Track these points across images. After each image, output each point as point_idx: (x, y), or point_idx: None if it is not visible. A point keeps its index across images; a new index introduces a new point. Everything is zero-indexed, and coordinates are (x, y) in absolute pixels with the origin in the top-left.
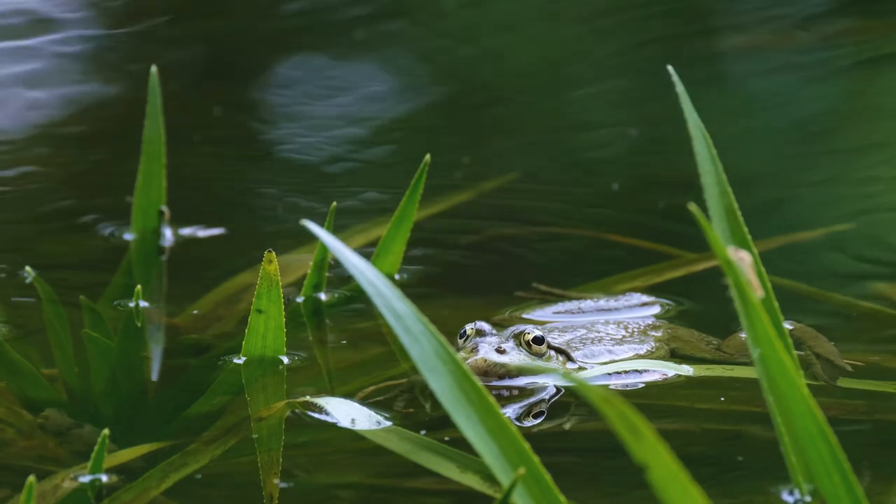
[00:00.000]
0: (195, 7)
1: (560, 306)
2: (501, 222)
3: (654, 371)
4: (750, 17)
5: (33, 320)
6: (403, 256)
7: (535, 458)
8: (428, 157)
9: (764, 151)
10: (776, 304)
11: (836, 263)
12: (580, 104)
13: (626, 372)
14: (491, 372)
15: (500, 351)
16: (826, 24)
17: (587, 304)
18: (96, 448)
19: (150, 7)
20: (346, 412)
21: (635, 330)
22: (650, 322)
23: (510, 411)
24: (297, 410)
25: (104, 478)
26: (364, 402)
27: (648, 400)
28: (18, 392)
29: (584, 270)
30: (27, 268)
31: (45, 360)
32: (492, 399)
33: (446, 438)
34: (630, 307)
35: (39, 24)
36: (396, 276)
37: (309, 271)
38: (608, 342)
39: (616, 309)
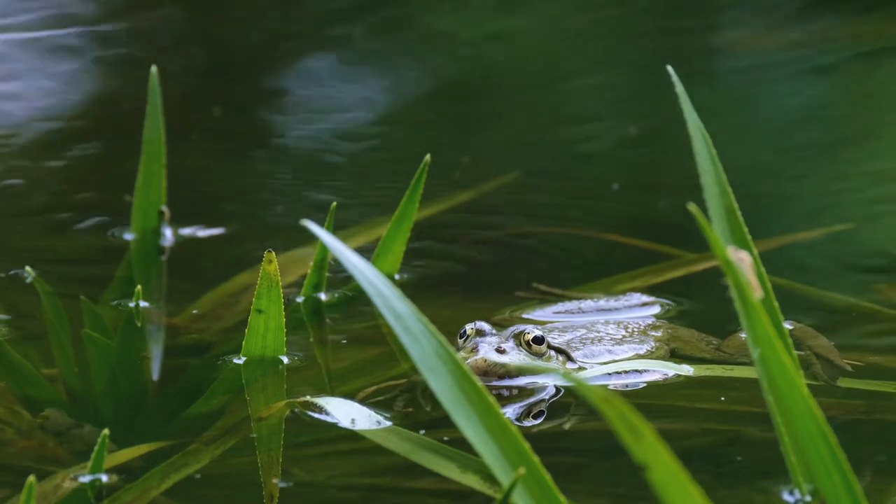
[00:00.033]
0: (195, 7)
1: (560, 306)
2: (501, 222)
3: (654, 371)
4: (747, 15)
5: (33, 320)
6: (403, 256)
7: (535, 458)
8: (428, 157)
9: (762, 151)
10: (776, 304)
11: (836, 263)
12: (579, 104)
13: (626, 372)
14: (491, 372)
15: (500, 351)
16: (824, 23)
17: (587, 304)
18: (96, 448)
19: (150, 6)
20: (346, 412)
21: (635, 330)
22: (650, 322)
23: (510, 411)
24: (297, 410)
25: (104, 478)
26: (364, 402)
27: (648, 400)
28: (18, 392)
29: (584, 270)
30: (27, 268)
31: (45, 360)
32: (492, 399)
33: (446, 438)
34: (630, 307)
35: (39, 21)
36: (396, 276)
37: (309, 271)
38: (608, 342)
39: (616, 309)
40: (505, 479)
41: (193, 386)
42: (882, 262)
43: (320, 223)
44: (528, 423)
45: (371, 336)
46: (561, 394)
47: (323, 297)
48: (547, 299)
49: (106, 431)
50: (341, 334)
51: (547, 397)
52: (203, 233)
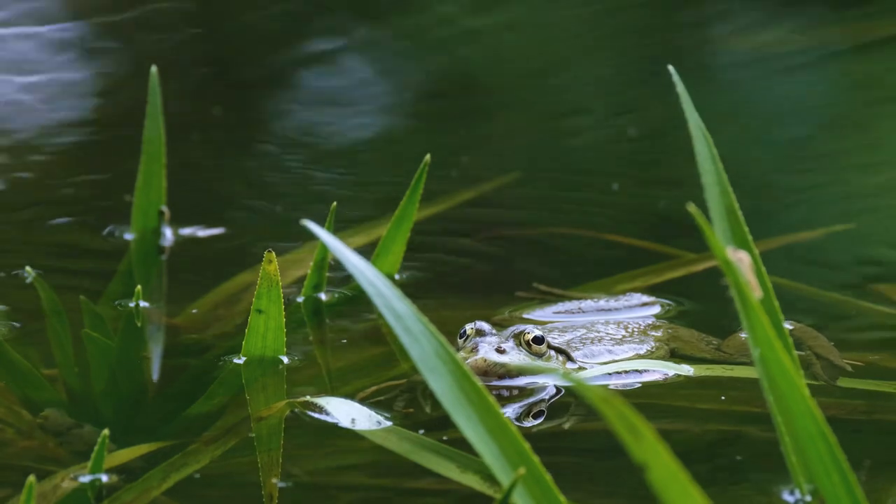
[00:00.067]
0: (196, 6)
1: (560, 306)
2: (501, 222)
3: (654, 371)
4: (740, 10)
5: (33, 320)
6: (403, 256)
7: (535, 458)
8: (428, 157)
9: (762, 151)
10: (776, 304)
11: (836, 263)
12: (578, 103)
13: (626, 372)
14: (491, 372)
15: (499, 351)
16: (818, 18)
17: (587, 304)
18: (96, 448)
19: (151, 6)
20: (346, 412)
21: (635, 330)
22: (650, 322)
23: (510, 411)
24: (297, 410)
25: (104, 478)
26: (364, 402)
27: (648, 400)
28: (18, 392)
29: (584, 270)
30: (27, 268)
31: (45, 360)
32: (492, 399)
33: (446, 438)
34: (630, 307)
35: (38, 20)
36: (396, 276)
37: (309, 271)
38: (608, 342)
39: (616, 309)
40: (505, 479)
41: (193, 386)
42: (882, 262)
43: (321, 223)
44: (528, 423)
45: (371, 336)
46: (561, 394)
47: (323, 297)
48: (547, 299)
49: (106, 431)
50: (341, 334)
51: (547, 397)
52: (203, 233)
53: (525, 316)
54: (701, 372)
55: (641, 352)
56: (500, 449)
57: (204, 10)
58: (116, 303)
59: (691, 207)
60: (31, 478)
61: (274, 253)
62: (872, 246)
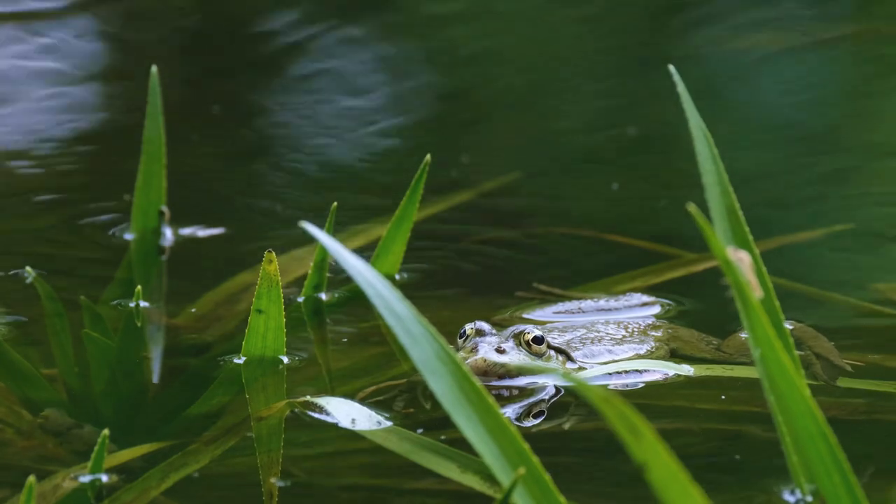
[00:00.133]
0: (196, 5)
1: (560, 306)
2: (501, 222)
3: (654, 371)
4: (748, 17)
5: (33, 320)
6: (403, 257)
7: (535, 459)
8: (428, 157)
9: (761, 150)
10: (777, 303)
11: (836, 263)
12: (577, 102)
13: (626, 372)
14: (491, 372)
15: (499, 351)
16: (824, 26)
17: (587, 304)
18: (96, 448)
19: (150, 5)
20: (346, 412)
21: (635, 330)
22: (650, 322)
23: (510, 411)
24: (297, 410)
25: (104, 478)
26: (364, 402)
27: (648, 400)
28: (18, 392)
29: (584, 270)
30: (27, 268)
31: (45, 360)
32: (492, 400)
33: (443, 437)
34: (630, 307)
35: (38, 19)
36: (396, 277)
37: (309, 272)
38: (608, 342)
39: (616, 309)
40: (505, 479)
41: (193, 386)
42: (882, 262)
43: (321, 223)
44: (528, 423)
45: (371, 336)
46: (561, 394)
47: (323, 296)
48: (547, 299)
49: (106, 431)
50: (341, 334)
51: (547, 397)
52: (203, 233)
53: (525, 316)
54: (701, 372)
55: (641, 352)
56: (500, 449)
57: (206, 10)
58: (116, 303)
59: (691, 207)
60: (31, 478)
61: (274, 253)
62: (872, 246)
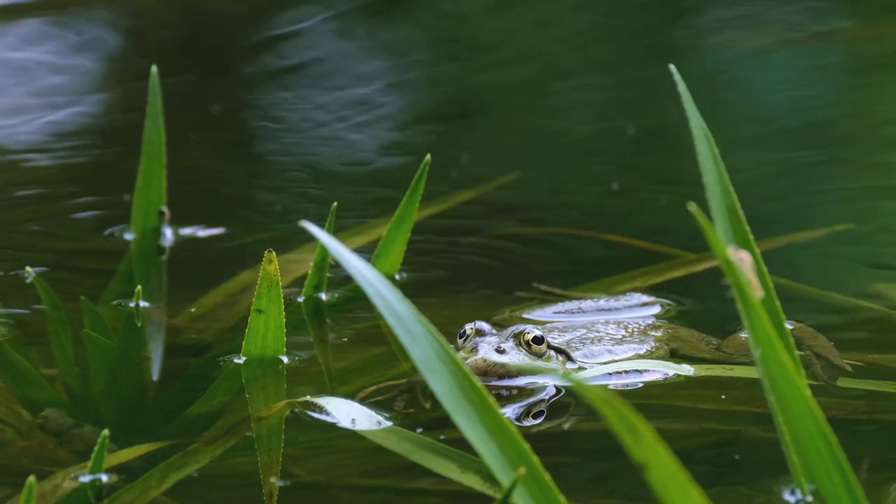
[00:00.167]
0: (195, 4)
1: (560, 306)
2: (501, 222)
3: (654, 371)
4: (748, 17)
5: (33, 320)
6: (403, 257)
7: (535, 459)
8: (428, 157)
9: (761, 150)
10: (777, 303)
11: (836, 263)
12: (577, 102)
13: (626, 372)
14: (490, 372)
15: (499, 351)
16: (825, 26)
17: (587, 304)
18: (96, 448)
19: (150, 5)
20: (346, 412)
21: (635, 330)
22: (650, 322)
23: (510, 411)
24: (297, 410)
25: (104, 478)
26: (364, 402)
27: (648, 400)
28: (18, 392)
29: (584, 270)
30: (27, 268)
31: (45, 360)
32: (492, 399)
33: (442, 437)
34: (630, 307)
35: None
36: (396, 277)
37: (309, 272)
38: (608, 342)
39: (616, 309)
40: (505, 479)
41: (193, 386)
42: (882, 262)
43: (321, 223)
44: (528, 423)
45: (371, 336)
46: (561, 394)
47: (323, 296)
48: (547, 299)
49: (106, 431)
50: (341, 334)
51: (546, 397)
52: (203, 233)
53: (525, 316)
54: (701, 372)
55: (641, 352)
56: (500, 449)
57: (205, 8)
58: (116, 303)
59: (692, 207)
60: (31, 478)
61: (274, 253)
62: (872, 246)
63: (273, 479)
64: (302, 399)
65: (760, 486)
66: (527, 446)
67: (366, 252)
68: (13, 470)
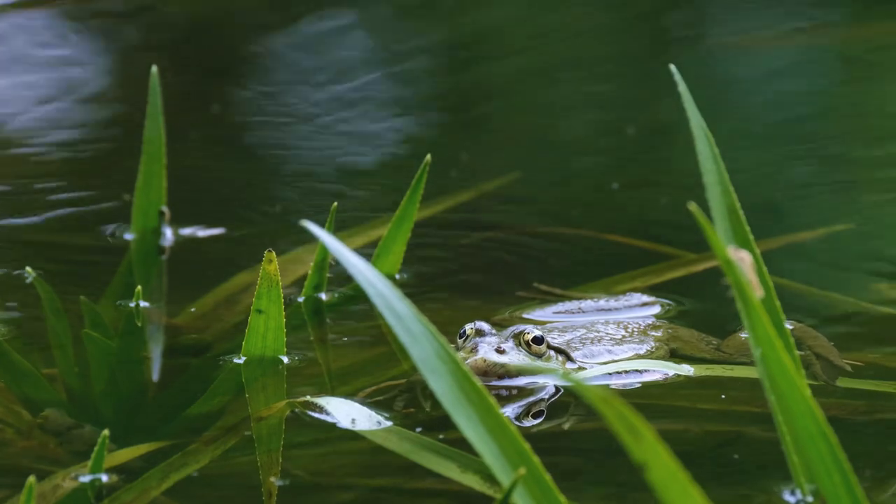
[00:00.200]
0: (194, 3)
1: (560, 306)
2: (501, 222)
3: (654, 371)
4: (746, 16)
5: (33, 320)
6: (403, 256)
7: (536, 459)
8: (429, 157)
9: (761, 151)
10: (777, 303)
11: (836, 263)
12: (577, 102)
13: (626, 372)
14: (490, 372)
15: (499, 351)
16: (821, 24)
17: (587, 304)
18: (96, 448)
19: (150, 5)
20: (346, 412)
21: (635, 330)
22: (650, 322)
23: (510, 411)
24: (297, 410)
25: (104, 478)
26: (364, 402)
27: (648, 400)
28: (18, 392)
29: (584, 270)
30: (27, 268)
31: (45, 360)
32: (492, 399)
33: (441, 437)
34: (630, 307)
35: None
36: (397, 277)
37: (309, 272)
38: (608, 342)
39: (616, 309)
40: (505, 479)
41: (193, 386)
42: (882, 262)
43: (321, 223)
44: (528, 422)
45: (371, 336)
46: (560, 394)
47: (324, 296)
48: (547, 299)
49: (106, 431)
50: (341, 334)
51: (546, 397)
52: (203, 233)
53: (525, 316)
54: (701, 372)
55: (641, 352)
56: (501, 449)
57: (205, 8)
58: (116, 303)
59: (692, 207)
60: (31, 478)
61: (274, 253)
62: (873, 245)
63: (273, 479)
64: (302, 399)
65: (760, 486)
66: (527, 446)
67: (366, 252)
68: (13, 470)
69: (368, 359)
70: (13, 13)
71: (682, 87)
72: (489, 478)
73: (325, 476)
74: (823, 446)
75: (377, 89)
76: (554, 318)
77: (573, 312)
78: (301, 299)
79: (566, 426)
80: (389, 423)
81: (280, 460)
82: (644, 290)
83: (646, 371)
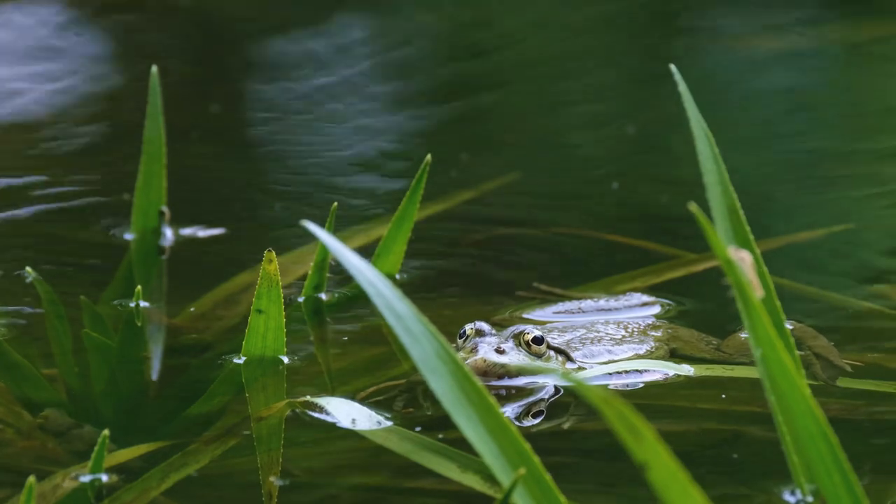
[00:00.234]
0: (193, 2)
1: (560, 306)
2: (502, 222)
3: (654, 371)
4: (744, 16)
5: (33, 320)
6: (404, 256)
7: (536, 459)
8: (429, 157)
9: (761, 151)
10: (778, 303)
11: (837, 263)
12: (577, 101)
13: (626, 372)
14: (490, 372)
15: (499, 351)
16: (819, 24)
17: (587, 304)
18: (96, 448)
19: (150, 4)
20: (346, 412)
21: (635, 330)
22: (650, 322)
23: (510, 411)
24: (297, 410)
25: (104, 478)
26: (364, 402)
27: (648, 400)
28: (18, 392)
29: (584, 270)
30: (27, 268)
31: (45, 360)
32: (492, 399)
33: (441, 436)
34: (630, 307)
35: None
36: (397, 276)
37: (309, 272)
38: (608, 342)
39: (616, 309)
40: (505, 479)
41: (193, 386)
42: (882, 262)
43: (321, 223)
44: (528, 422)
45: (371, 336)
46: (560, 394)
47: (324, 296)
48: (547, 299)
49: (106, 431)
50: (341, 334)
51: (546, 397)
52: (203, 233)
53: (525, 316)
54: (701, 372)
55: (641, 352)
56: (501, 449)
57: (203, 7)
58: (116, 303)
59: (693, 207)
60: (31, 478)
61: (274, 253)
62: (872, 246)
63: (273, 479)
64: (302, 399)
65: (760, 486)
66: (527, 446)
67: (366, 252)
68: (13, 470)
69: (368, 359)
70: (11, 5)
71: (683, 88)
72: (489, 478)
73: (325, 476)
74: (823, 446)
75: (377, 90)
76: (554, 318)
77: (573, 312)
78: (301, 299)
79: (566, 426)
80: (389, 423)
81: (280, 460)
82: (644, 290)
83: (646, 371)
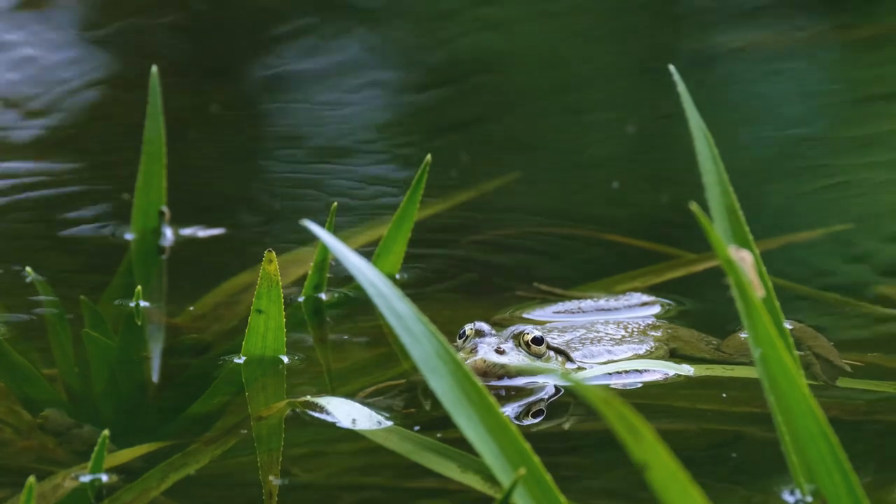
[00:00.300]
0: (193, 2)
1: (560, 306)
2: (502, 222)
3: (654, 371)
4: (744, 17)
5: (33, 320)
6: (404, 256)
7: (536, 459)
8: (429, 157)
9: (761, 151)
10: (777, 303)
11: (836, 263)
12: (577, 101)
13: (626, 372)
14: (490, 372)
15: (499, 351)
16: (819, 25)
17: (587, 304)
18: (96, 448)
19: (147, 3)
20: (346, 412)
21: (635, 330)
22: (650, 322)
23: (509, 411)
24: (297, 410)
25: (104, 478)
26: (364, 402)
27: (648, 400)
28: (18, 392)
29: (584, 270)
30: (27, 268)
31: (45, 360)
32: (492, 399)
33: (440, 435)
34: (630, 307)
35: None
36: (397, 276)
37: (310, 271)
38: (608, 342)
39: (616, 309)
40: (505, 479)
41: (193, 386)
42: (882, 262)
43: (321, 223)
44: (528, 422)
45: (371, 336)
46: (560, 394)
47: (324, 296)
48: (547, 299)
49: (106, 431)
50: (341, 334)
51: (546, 397)
52: (203, 233)
53: (525, 316)
54: (701, 372)
55: (641, 352)
56: (501, 449)
57: (203, 6)
58: (116, 303)
59: (694, 206)
60: (31, 478)
61: (274, 253)
62: (872, 246)
63: (273, 479)
64: (302, 399)
65: (760, 486)
66: (527, 446)
67: (366, 252)
68: (13, 470)
69: (368, 359)
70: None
71: (682, 87)
72: (489, 478)
73: (325, 476)
74: (823, 446)
75: (377, 90)
76: (554, 318)
77: (573, 312)
78: (301, 299)
79: (566, 426)
80: (389, 423)
81: (280, 460)
82: (644, 290)
83: (646, 371)
